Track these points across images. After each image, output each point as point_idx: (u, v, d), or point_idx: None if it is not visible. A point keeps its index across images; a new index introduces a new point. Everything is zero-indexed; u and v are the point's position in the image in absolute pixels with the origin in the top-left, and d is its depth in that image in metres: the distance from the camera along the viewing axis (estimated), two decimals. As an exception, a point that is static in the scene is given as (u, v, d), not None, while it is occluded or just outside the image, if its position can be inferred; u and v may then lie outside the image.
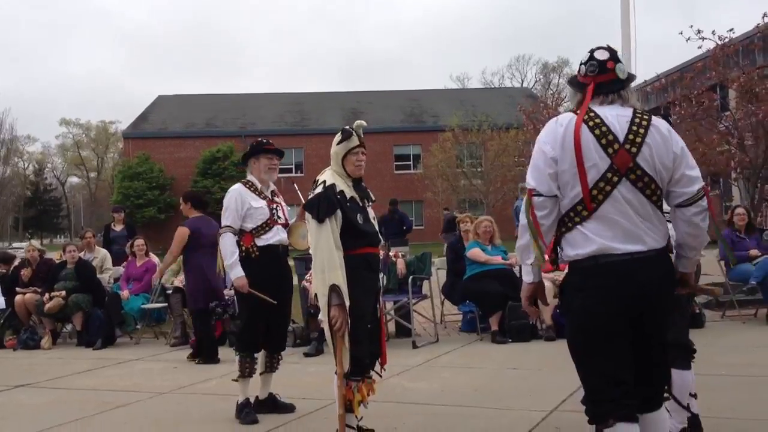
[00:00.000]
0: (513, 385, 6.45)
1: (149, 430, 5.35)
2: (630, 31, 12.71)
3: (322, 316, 4.33)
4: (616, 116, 3.13)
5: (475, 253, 9.09)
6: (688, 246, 3.25)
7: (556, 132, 3.12)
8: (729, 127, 17.94)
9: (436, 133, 39.23)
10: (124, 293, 9.97)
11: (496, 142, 35.22)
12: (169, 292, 9.92)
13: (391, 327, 8.87)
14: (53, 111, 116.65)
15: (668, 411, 3.46)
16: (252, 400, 5.63)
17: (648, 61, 43.54)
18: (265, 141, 5.98)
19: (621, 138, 3.08)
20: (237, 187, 5.75)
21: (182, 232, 8.11)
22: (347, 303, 4.23)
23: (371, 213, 4.58)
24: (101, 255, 11.21)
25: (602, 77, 3.20)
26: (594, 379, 3.10)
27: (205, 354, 8.04)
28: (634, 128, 3.11)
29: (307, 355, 8.21)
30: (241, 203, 5.61)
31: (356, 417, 4.46)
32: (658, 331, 3.18)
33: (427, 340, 8.76)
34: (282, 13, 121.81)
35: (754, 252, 9.24)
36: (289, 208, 5.93)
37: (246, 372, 5.61)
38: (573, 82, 3.34)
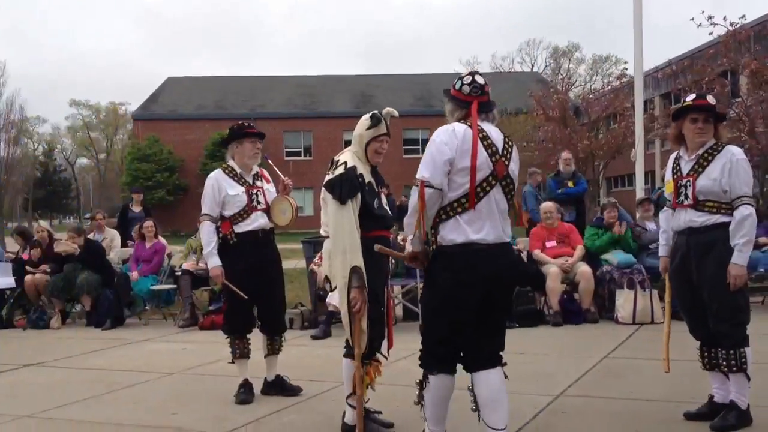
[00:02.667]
0: (519, 369, 6.45)
1: (158, 410, 5.39)
2: (641, 15, 12.62)
3: (340, 298, 4.31)
4: (496, 132, 3.86)
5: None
6: None
7: (454, 138, 3.71)
8: (740, 113, 17.83)
9: (445, 117, 39.05)
10: (134, 274, 10.03)
11: (505, 127, 34.89)
12: (178, 274, 9.97)
13: (399, 311, 8.89)
14: (63, 91, 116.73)
15: (733, 389, 4.45)
16: (257, 381, 5.67)
17: (659, 46, 43.28)
18: (246, 124, 5.83)
19: (500, 150, 3.80)
20: (214, 174, 5.67)
21: None
22: (366, 285, 4.24)
23: (383, 198, 4.57)
24: (111, 235, 11.27)
25: (482, 98, 3.89)
26: (434, 338, 3.82)
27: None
28: (507, 144, 3.87)
29: (314, 337, 8.25)
30: (218, 190, 5.55)
31: (363, 399, 4.49)
32: (501, 305, 3.90)
33: (434, 324, 8.77)
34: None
35: (763, 239, 9.22)
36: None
37: (237, 353, 5.65)
38: (453, 98, 3.95)
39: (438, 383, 3.81)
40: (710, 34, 18.16)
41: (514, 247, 9.13)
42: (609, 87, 31.75)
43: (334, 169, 4.38)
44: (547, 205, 9.57)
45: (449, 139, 3.71)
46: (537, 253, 9.23)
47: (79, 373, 6.91)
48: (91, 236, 10.82)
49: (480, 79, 3.92)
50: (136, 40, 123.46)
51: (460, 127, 3.76)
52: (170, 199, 42.92)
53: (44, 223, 11.58)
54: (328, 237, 4.42)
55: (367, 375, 4.44)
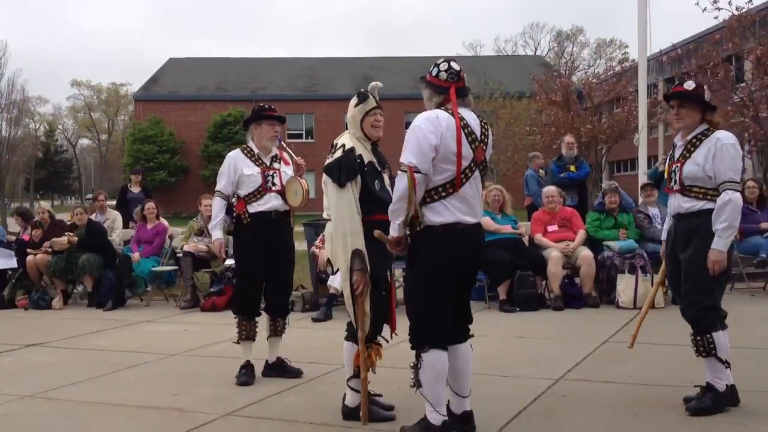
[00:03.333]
0: (520, 353, 6.48)
1: (159, 390, 5.41)
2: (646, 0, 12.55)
3: (342, 282, 4.33)
4: (473, 119, 4.01)
5: (484, 221, 9.06)
6: None
7: (439, 126, 3.86)
8: (744, 99, 17.76)
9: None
10: (135, 255, 10.04)
11: (507, 110, 34.93)
12: (180, 255, 9.98)
13: (400, 294, 8.89)
14: (64, 71, 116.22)
15: (707, 372, 4.46)
16: (258, 363, 5.69)
17: (664, 30, 43.24)
18: (267, 106, 5.87)
19: (479, 137, 4.00)
20: (233, 154, 5.76)
21: None
22: (368, 268, 4.26)
23: (386, 179, 4.55)
24: (112, 216, 11.27)
25: (458, 83, 4.02)
26: (424, 316, 3.96)
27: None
28: (483, 130, 4.06)
29: (315, 320, 8.27)
30: (233, 169, 5.63)
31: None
32: (472, 282, 4.31)
33: (435, 307, 8.79)
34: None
35: (765, 225, 9.21)
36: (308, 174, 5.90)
37: (243, 335, 5.67)
38: (431, 84, 4.05)
39: (432, 360, 3.93)
40: (715, 18, 18.07)
41: (515, 230, 9.17)
42: (612, 72, 31.65)
43: (333, 153, 4.38)
44: (550, 190, 9.55)
45: (434, 126, 3.86)
46: (538, 237, 9.22)
47: (81, 354, 6.93)
48: (93, 217, 10.82)
49: (456, 66, 4.04)
50: (140, 20, 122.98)
51: (443, 115, 3.92)
52: (171, 181, 42.89)
53: (45, 204, 11.58)
54: (329, 220, 4.43)
55: (369, 358, 4.46)
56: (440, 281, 3.94)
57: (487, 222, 8.96)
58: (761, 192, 9.64)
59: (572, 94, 30.15)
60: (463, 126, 3.91)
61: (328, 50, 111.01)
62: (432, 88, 4.06)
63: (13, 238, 11.49)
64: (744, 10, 17.53)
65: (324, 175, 4.38)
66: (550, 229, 9.25)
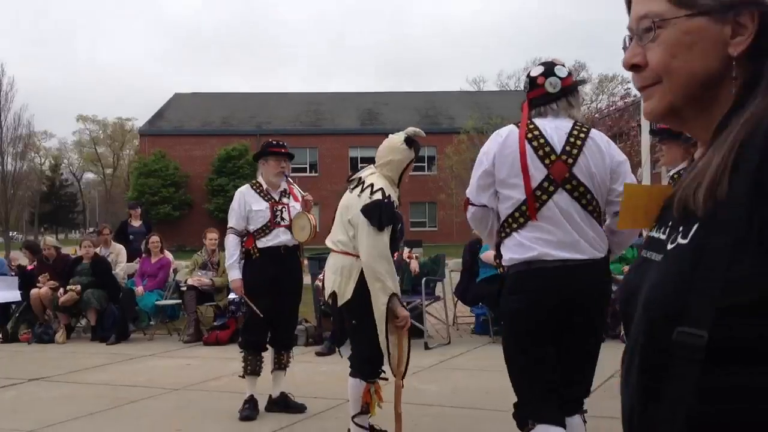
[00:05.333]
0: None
1: (161, 426, 5.39)
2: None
3: (378, 324, 4.21)
4: (555, 128, 3.26)
5: (488, 255, 9.06)
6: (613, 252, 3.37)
7: (496, 144, 3.26)
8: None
9: (451, 135, 39.01)
10: (139, 289, 10.04)
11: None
12: (183, 289, 9.98)
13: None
14: (70, 106, 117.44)
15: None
16: (263, 398, 5.67)
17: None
18: (275, 142, 5.91)
19: (558, 149, 3.22)
20: (243, 189, 5.81)
21: None
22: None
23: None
24: (116, 250, 11.29)
25: (533, 93, 3.34)
26: (515, 383, 3.28)
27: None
28: (572, 140, 3.24)
29: (319, 354, 8.24)
30: (243, 205, 5.66)
31: (370, 417, 4.49)
32: (584, 338, 3.31)
33: (439, 341, 8.77)
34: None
35: None
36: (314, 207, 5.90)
37: (249, 369, 5.66)
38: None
39: None
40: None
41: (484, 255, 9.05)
42: (614, 107, 31.82)
43: (371, 194, 4.25)
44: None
45: (488, 147, 3.30)
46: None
47: (84, 388, 6.90)
48: (97, 251, 10.84)
49: (534, 71, 3.38)
50: (147, 56, 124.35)
51: (505, 130, 3.31)
52: (176, 215, 42.99)
53: (51, 240, 11.61)
54: (337, 252, 4.38)
55: (375, 393, 4.44)
56: (521, 335, 3.23)
57: (490, 256, 8.91)
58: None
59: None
60: (530, 138, 3.21)
61: (339, 84, 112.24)
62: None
63: (15, 271, 11.46)
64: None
65: (352, 212, 4.28)
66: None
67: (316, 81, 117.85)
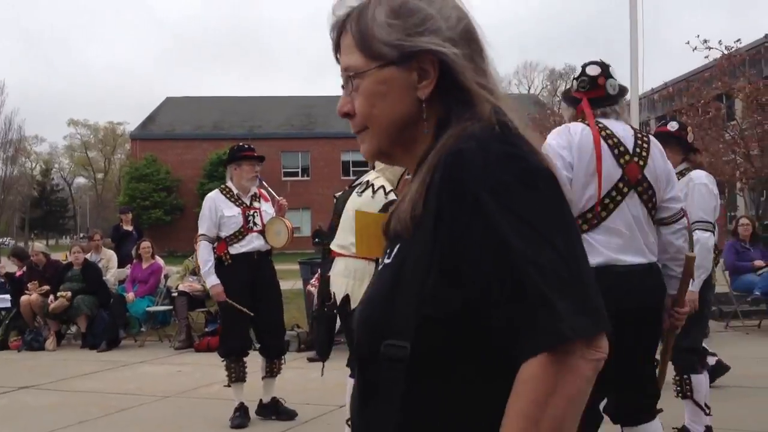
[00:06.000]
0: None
1: (152, 434, 5.37)
2: (638, 38, 12.70)
3: None
4: (622, 129, 3.18)
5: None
6: (668, 266, 3.23)
7: (571, 139, 3.10)
8: (735, 136, 17.90)
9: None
10: (129, 295, 10.01)
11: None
12: (174, 295, 9.95)
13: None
14: (62, 110, 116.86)
15: (686, 414, 3.88)
16: (253, 404, 5.66)
17: (656, 69, 43.82)
18: (246, 146, 5.87)
19: (630, 150, 3.13)
20: (212, 195, 5.73)
21: None
22: None
23: None
24: (107, 256, 11.25)
25: (594, 93, 3.22)
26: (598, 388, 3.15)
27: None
28: (639, 142, 3.17)
29: (311, 360, 8.22)
30: (214, 211, 5.59)
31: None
32: (649, 342, 3.23)
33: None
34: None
35: (758, 263, 9.23)
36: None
37: (233, 377, 5.62)
38: (567, 96, 3.43)
39: None
40: (706, 57, 18.29)
41: None
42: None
43: (386, 195, 4.10)
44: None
45: (566, 140, 3.11)
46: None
47: (74, 396, 6.87)
48: (88, 257, 10.81)
49: (592, 70, 3.25)
50: (139, 60, 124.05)
51: (576, 126, 3.16)
52: (167, 219, 42.86)
53: (39, 246, 11.56)
54: (348, 255, 4.27)
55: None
56: None
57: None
58: (754, 229, 9.68)
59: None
60: (605, 137, 3.11)
61: (331, 87, 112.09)
62: (566, 100, 3.44)
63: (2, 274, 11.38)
64: (733, 50, 17.76)
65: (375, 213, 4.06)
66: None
67: (308, 84, 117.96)
